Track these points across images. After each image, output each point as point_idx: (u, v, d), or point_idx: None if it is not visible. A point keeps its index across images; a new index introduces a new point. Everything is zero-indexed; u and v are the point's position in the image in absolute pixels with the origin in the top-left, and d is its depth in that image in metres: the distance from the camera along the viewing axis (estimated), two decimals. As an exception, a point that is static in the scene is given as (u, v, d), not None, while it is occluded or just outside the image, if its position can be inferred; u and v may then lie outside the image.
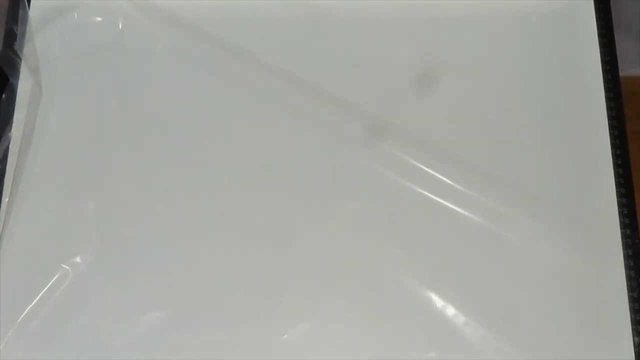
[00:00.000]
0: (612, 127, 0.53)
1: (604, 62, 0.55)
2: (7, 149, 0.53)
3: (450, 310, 0.49)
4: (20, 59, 0.54)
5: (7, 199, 0.52)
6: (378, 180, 0.53)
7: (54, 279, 0.50)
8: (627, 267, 0.50)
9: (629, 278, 0.50)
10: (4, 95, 0.54)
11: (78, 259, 0.51)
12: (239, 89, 0.55)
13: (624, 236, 0.51)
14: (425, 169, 0.52)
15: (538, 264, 0.50)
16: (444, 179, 0.52)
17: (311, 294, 0.50)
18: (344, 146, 0.53)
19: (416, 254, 0.51)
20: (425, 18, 0.56)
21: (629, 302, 0.49)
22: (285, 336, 0.49)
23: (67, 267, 0.50)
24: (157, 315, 0.50)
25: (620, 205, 0.51)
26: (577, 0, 0.56)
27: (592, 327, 0.49)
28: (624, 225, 0.51)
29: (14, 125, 0.53)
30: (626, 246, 0.50)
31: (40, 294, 0.50)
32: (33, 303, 0.49)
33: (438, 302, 0.50)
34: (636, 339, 0.49)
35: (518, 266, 0.50)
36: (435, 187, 0.52)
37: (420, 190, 0.52)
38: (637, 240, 0.50)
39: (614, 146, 0.53)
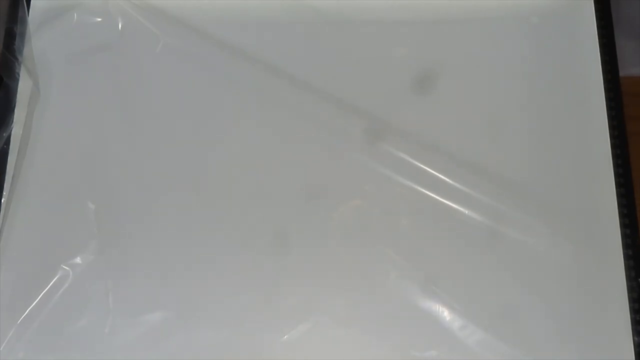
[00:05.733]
0: (612, 127, 0.53)
1: (604, 62, 0.55)
2: (6, 149, 0.53)
3: (450, 310, 0.49)
4: (18, 59, 0.54)
5: (4, 200, 0.52)
6: (378, 180, 0.53)
7: (54, 279, 0.50)
8: (627, 267, 0.50)
9: (629, 278, 0.50)
10: None
11: (78, 260, 0.51)
12: (238, 89, 0.55)
13: (624, 236, 0.51)
14: (425, 168, 0.52)
15: (538, 264, 0.50)
16: (444, 178, 0.52)
17: (311, 294, 0.50)
18: (343, 146, 0.53)
19: (416, 252, 0.51)
20: (425, 18, 0.56)
21: (629, 302, 0.49)
22: (285, 336, 0.49)
23: (67, 267, 0.50)
24: (157, 315, 0.50)
25: (620, 205, 0.51)
26: (577, 0, 0.56)
27: (592, 327, 0.49)
28: (624, 225, 0.51)
29: (13, 125, 0.53)
30: (626, 246, 0.50)
31: (41, 295, 0.50)
32: (34, 304, 0.49)
33: (438, 301, 0.50)
34: (636, 339, 0.49)
35: (518, 265, 0.50)
36: (435, 186, 0.52)
37: (420, 189, 0.52)
38: (637, 240, 0.50)
39: (614, 146, 0.53)
